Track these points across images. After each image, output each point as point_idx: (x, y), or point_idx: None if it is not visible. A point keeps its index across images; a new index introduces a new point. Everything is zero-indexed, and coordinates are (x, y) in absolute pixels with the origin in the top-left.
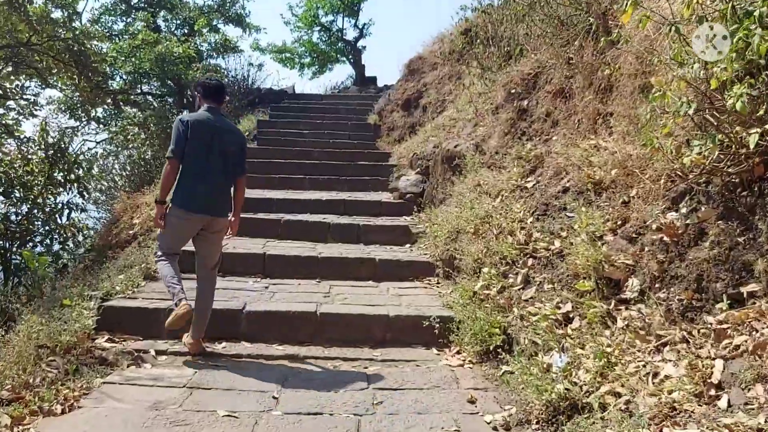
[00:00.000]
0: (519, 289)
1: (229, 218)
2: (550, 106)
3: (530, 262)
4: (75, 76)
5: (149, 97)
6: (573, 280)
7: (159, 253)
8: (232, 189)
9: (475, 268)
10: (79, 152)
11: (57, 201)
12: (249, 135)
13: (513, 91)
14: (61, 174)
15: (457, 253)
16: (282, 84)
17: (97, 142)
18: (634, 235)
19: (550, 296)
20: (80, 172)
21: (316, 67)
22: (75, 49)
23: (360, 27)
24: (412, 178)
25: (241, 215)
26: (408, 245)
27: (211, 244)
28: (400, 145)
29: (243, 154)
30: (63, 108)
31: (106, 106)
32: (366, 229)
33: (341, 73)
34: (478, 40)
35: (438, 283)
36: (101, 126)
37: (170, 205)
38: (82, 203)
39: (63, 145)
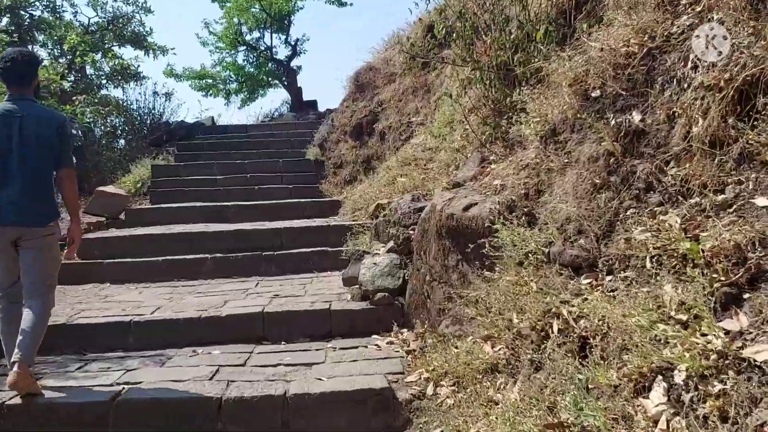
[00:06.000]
0: None
1: (50, 226)
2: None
3: None
4: None
5: None
6: None
7: None
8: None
9: None
10: None
11: None
12: (142, 187)
13: (596, 94)
14: None
15: None
16: (206, 115)
17: None
18: None
19: None
20: None
21: (245, 93)
22: None
23: (292, 44)
24: (382, 260)
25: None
26: None
27: (30, 258)
28: (353, 188)
29: (63, 142)
30: None
31: None
32: (299, 407)
33: (276, 99)
34: (461, 29)
35: None
36: None
37: None
38: None
39: None
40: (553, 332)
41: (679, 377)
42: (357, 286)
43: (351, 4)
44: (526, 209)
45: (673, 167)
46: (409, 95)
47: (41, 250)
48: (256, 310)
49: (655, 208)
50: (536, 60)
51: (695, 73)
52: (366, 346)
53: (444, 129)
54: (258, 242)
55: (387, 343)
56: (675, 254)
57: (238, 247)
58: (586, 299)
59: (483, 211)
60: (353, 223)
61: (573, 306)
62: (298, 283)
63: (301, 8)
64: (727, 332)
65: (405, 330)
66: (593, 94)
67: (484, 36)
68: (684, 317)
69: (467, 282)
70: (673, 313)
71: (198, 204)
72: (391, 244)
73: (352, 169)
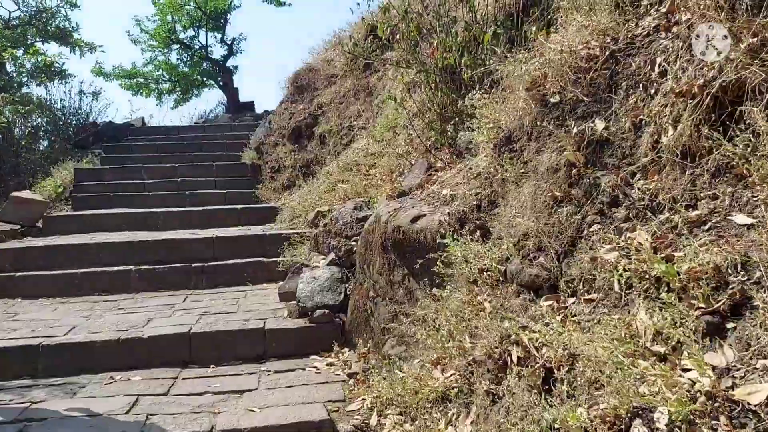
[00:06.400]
0: None
1: None
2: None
3: None
4: None
5: None
6: None
7: None
8: None
9: None
10: None
11: None
12: (64, 192)
13: (555, 100)
14: None
15: None
16: (136, 116)
17: None
18: None
19: None
20: None
21: (179, 93)
22: None
23: (228, 43)
24: (322, 274)
25: None
26: None
27: None
28: (291, 194)
29: None
30: None
31: None
32: None
33: (211, 100)
34: (406, 29)
35: None
36: None
37: None
38: None
39: None
40: (512, 361)
41: (661, 421)
42: (294, 302)
43: (289, 4)
44: (478, 222)
45: (640, 180)
46: (350, 98)
47: None
48: (183, 330)
49: (622, 225)
50: (489, 62)
51: (664, 78)
52: (304, 369)
53: (387, 133)
54: (188, 252)
55: (327, 365)
56: (647, 276)
57: (167, 258)
58: (548, 324)
59: (432, 223)
60: (291, 231)
61: (534, 332)
62: (231, 298)
63: (238, 6)
64: (713, 368)
65: (346, 350)
66: (552, 100)
67: (429, 38)
68: (662, 349)
69: (414, 299)
70: (649, 344)
71: (124, 210)
72: (331, 256)
73: (291, 174)
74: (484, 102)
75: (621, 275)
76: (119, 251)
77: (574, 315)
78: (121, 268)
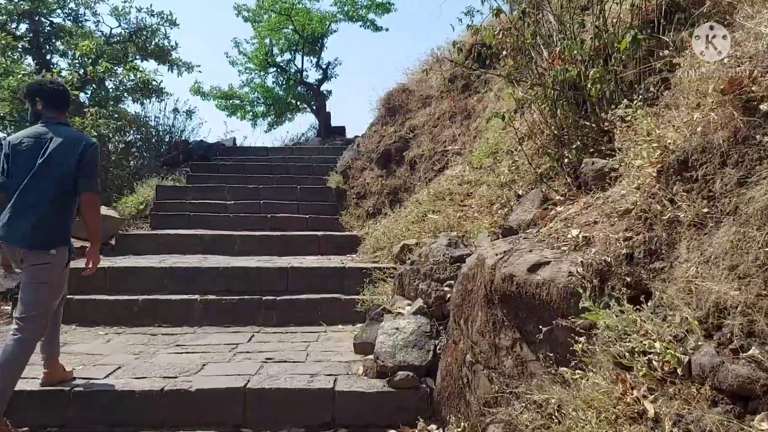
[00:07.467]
0: None
1: (51, 252)
2: None
3: None
4: None
5: None
6: None
7: None
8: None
9: None
10: None
11: None
12: (145, 209)
13: (767, 107)
14: None
15: None
16: (230, 137)
17: None
18: None
19: None
20: None
21: (272, 116)
22: None
23: (323, 67)
24: (407, 325)
25: None
26: None
27: (25, 285)
28: (376, 222)
29: (85, 164)
30: None
31: None
32: None
33: (303, 124)
34: (522, 31)
35: None
36: None
37: None
38: None
39: None
40: None
41: None
42: (372, 357)
43: (387, 29)
44: (629, 279)
45: None
46: (445, 121)
47: (33, 279)
48: (238, 385)
49: None
50: (623, 74)
51: None
52: None
53: (487, 160)
54: (260, 283)
55: None
56: None
57: (236, 288)
58: None
59: (559, 275)
60: (373, 265)
61: None
62: (300, 340)
63: (335, 31)
64: None
65: (434, 427)
66: (763, 107)
67: (547, 47)
68: None
69: (528, 374)
70: None
71: (201, 232)
72: (419, 302)
73: (377, 201)
74: (632, 118)
75: None
76: (186, 277)
77: None
78: (185, 297)
